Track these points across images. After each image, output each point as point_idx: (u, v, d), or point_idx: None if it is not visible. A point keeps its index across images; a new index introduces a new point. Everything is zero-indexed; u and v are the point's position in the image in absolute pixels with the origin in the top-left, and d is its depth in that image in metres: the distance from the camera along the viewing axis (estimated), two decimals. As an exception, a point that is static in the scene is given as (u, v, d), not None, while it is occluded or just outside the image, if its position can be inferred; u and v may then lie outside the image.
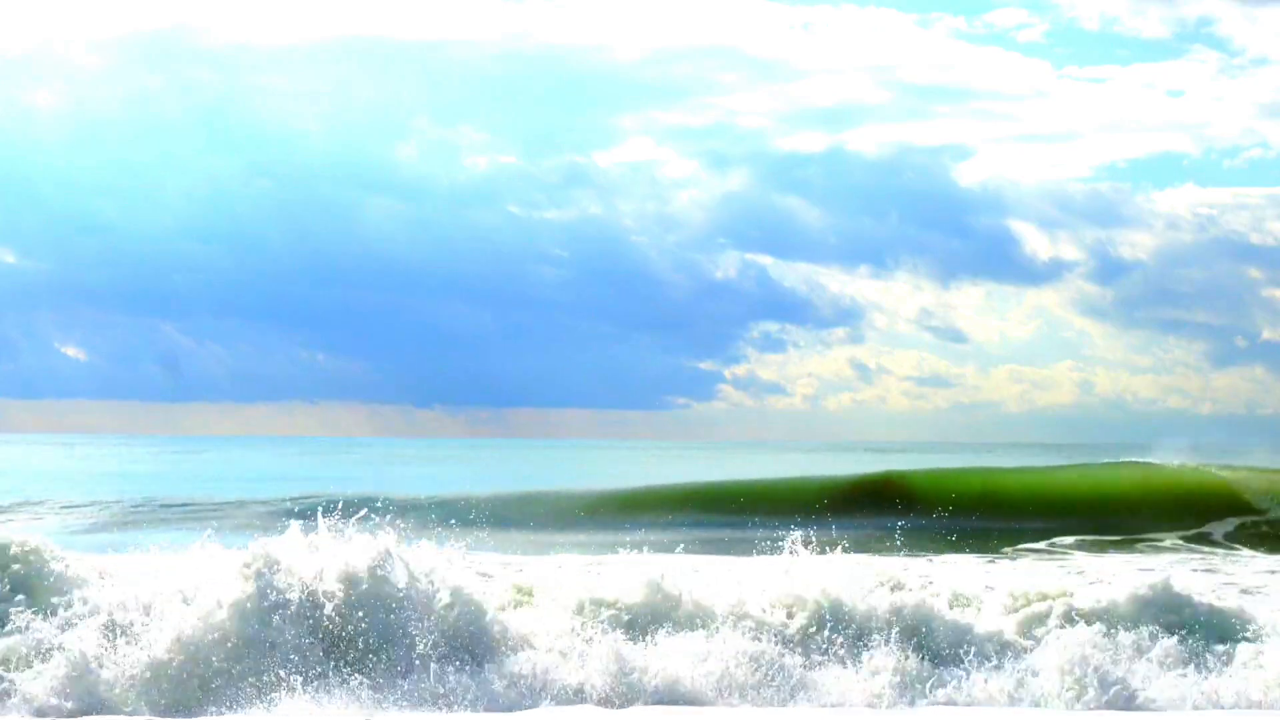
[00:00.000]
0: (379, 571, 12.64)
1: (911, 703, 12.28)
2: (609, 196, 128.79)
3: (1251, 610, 14.05)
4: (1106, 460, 35.15)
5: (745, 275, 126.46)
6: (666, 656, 12.53)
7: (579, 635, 12.80)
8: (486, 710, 11.78)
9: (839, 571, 13.76)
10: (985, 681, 12.55)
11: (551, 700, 11.97)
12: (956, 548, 25.25)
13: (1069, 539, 28.27)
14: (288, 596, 12.38)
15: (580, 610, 13.25)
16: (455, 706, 11.80)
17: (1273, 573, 22.09)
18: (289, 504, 32.47)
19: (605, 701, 12.01)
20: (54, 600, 12.53)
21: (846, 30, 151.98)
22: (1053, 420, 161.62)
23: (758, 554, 15.07)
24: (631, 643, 12.71)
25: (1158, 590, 13.88)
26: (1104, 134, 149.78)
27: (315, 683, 11.80)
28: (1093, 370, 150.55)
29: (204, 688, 11.77)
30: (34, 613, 12.35)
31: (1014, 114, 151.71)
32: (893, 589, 13.72)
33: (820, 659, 12.87)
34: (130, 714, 11.51)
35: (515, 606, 13.66)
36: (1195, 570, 21.89)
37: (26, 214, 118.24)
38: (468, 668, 12.26)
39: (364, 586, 12.57)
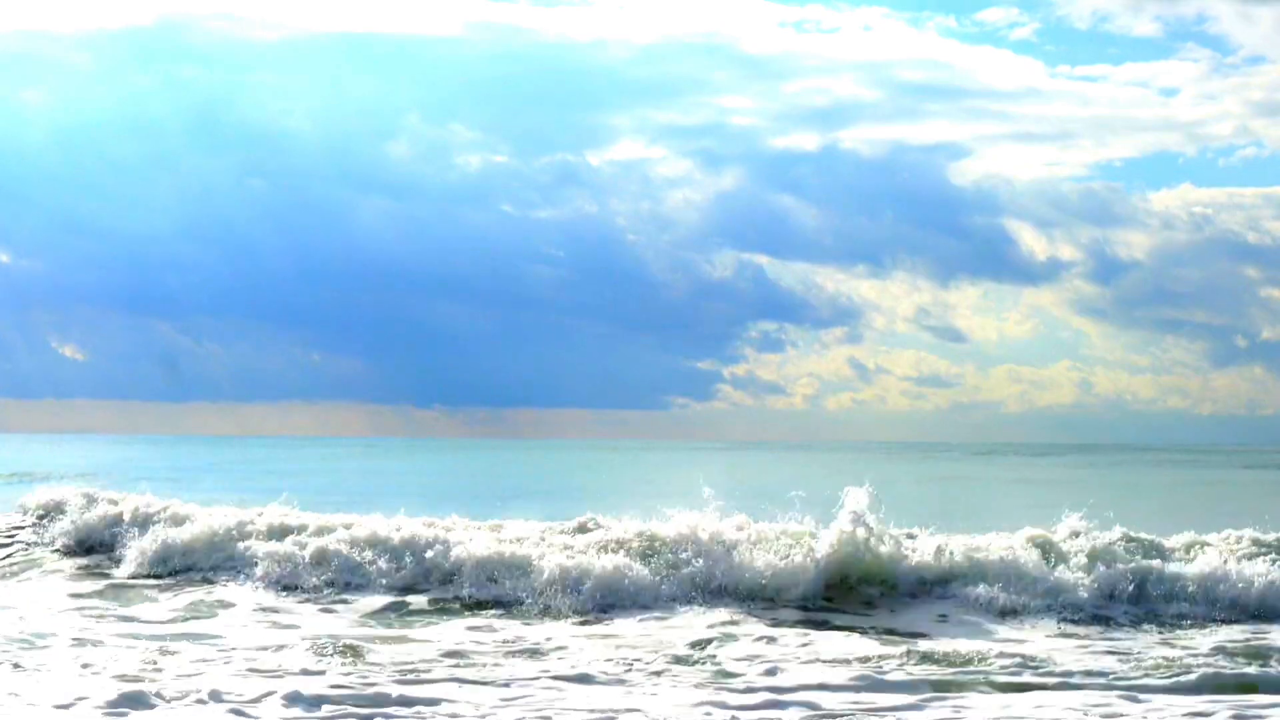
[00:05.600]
0: None
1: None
2: (603, 196, 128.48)
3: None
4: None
5: (742, 275, 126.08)
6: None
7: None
8: None
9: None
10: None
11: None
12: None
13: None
14: None
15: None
16: None
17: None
18: None
19: None
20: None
21: (838, 29, 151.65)
22: (1052, 420, 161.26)
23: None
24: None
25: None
26: (1098, 133, 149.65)
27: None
28: (1091, 370, 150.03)
29: None
30: None
31: (1007, 112, 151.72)
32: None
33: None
34: None
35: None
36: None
37: (19, 213, 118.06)
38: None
39: None
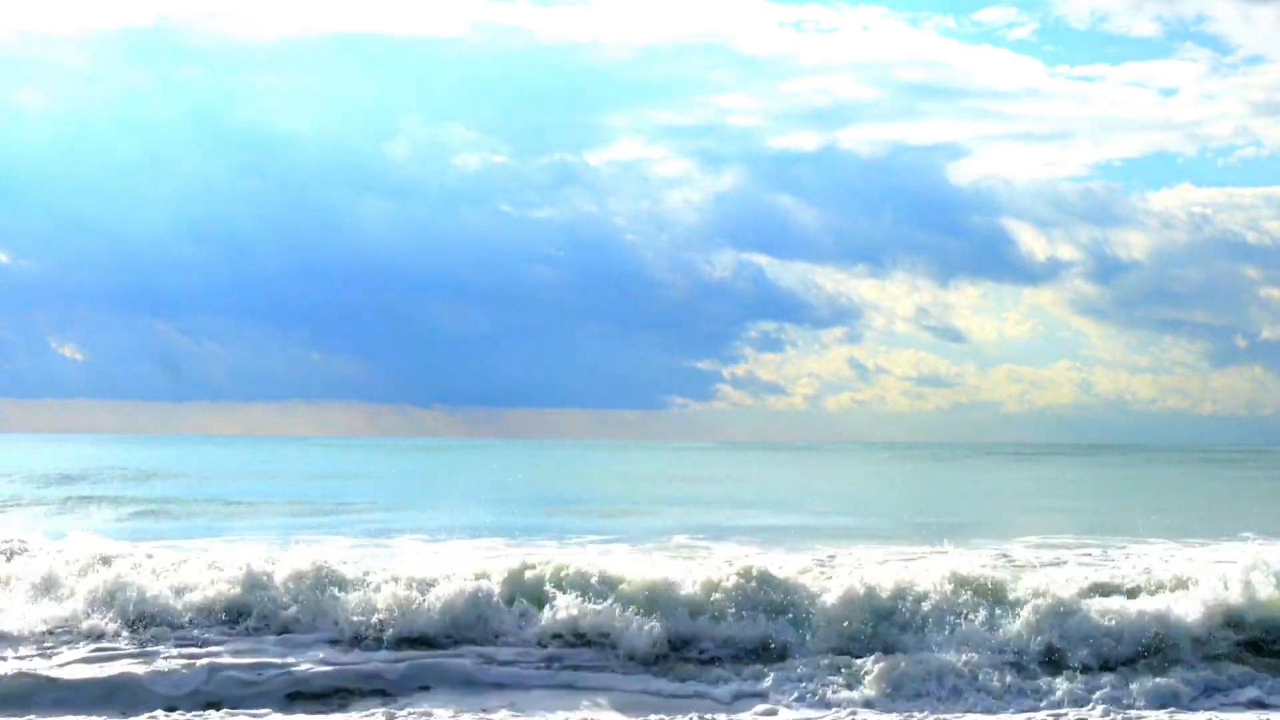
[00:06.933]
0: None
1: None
2: (601, 196, 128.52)
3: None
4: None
5: (741, 275, 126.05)
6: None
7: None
8: None
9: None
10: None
11: None
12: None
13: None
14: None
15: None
16: None
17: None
18: None
19: None
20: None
21: (837, 29, 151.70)
22: (1053, 420, 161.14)
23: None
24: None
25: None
26: (1097, 133, 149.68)
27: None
28: (1091, 370, 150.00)
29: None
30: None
31: (1006, 112, 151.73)
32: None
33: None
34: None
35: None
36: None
37: (18, 213, 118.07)
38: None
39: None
